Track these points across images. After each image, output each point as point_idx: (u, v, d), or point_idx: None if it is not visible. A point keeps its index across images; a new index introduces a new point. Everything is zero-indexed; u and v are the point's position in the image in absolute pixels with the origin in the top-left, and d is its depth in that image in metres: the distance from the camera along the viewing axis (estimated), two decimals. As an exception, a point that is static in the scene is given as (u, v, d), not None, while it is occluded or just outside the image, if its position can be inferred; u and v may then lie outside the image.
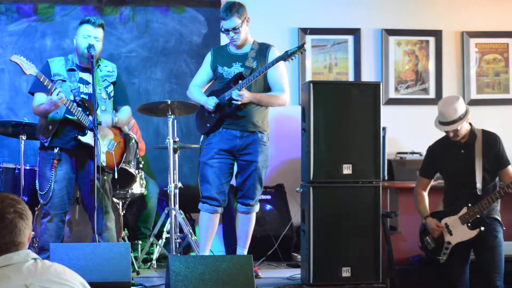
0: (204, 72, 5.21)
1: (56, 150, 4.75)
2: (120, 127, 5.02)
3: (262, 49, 5.10)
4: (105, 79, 4.91)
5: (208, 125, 5.08)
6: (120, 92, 5.00)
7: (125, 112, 5.01)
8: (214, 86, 5.19)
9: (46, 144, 4.78)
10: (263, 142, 5.06)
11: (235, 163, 5.09)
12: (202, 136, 5.29)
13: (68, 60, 4.87)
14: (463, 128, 4.88)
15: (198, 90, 5.18)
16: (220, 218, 5.93)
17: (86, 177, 4.76)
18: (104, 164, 4.83)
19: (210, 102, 5.00)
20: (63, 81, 4.79)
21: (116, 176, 4.91)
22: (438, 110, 4.96)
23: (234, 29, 4.99)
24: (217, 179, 5.00)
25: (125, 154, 5.08)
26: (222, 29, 5.06)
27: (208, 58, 5.20)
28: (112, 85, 4.94)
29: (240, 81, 4.95)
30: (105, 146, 4.87)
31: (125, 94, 5.08)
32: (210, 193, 5.01)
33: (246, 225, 5.12)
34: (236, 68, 5.05)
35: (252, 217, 5.14)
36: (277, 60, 4.91)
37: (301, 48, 4.88)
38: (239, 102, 4.90)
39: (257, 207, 5.15)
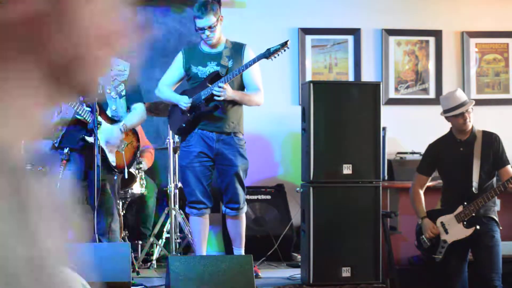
0: (176, 71, 5.11)
1: (65, 150, 4.75)
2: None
3: (237, 47, 5.02)
4: (115, 78, 4.88)
5: (184, 125, 4.99)
6: (132, 90, 4.95)
7: (137, 110, 4.95)
8: (186, 86, 5.11)
9: (56, 144, 4.78)
10: (240, 146, 4.99)
11: (214, 164, 5.02)
12: (178, 137, 5.24)
13: None
14: (471, 114, 4.90)
15: (169, 89, 5.09)
16: (220, 218, 5.94)
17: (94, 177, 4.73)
18: (114, 164, 4.82)
19: (185, 101, 4.92)
20: None
21: (126, 176, 4.91)
22: (443, 99, 5.02)
23: (209, 27, 4.89)
24: (199, 182, 4.96)
25: (137, 153, 5.06)
26: (196, 28, 4.96)
27: (180, 57, 5.09)
28: (123, 84, 4.91)
29: (217, 80, 4.86)
30: (115, 146, 4.85)
31: (138, 92, 5.01)
32: (196, 197, 4.97)
33: (238, 227, 5.09)
34: (212, 67, 4.96)
35: (242, 218, 5.10)
36: (259, 58, 4.81)
37: (284, 45, 4.78)
38: (222, 98, 4.82)
39: (245, 208, 5.11)
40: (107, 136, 4.75)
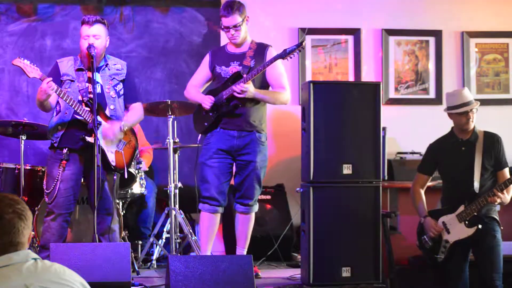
0: (202, 72, 5.22)
1: (65, 151, 4.75)
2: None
3: (260, 48, 5.10)
4: (114, 78, 4.89)
5: (206, 124, 5.08)
6: (130, 89, 4.97)
7: (135, 110, 4.98)
8: (212, 86, 5.20)
9: (56, 145, 4.78)
10: (261, 142, 5.05)
11: (234, 163, 5.09)
12: (200, 135, 5.29)
13: (77, 60, 4.87)
14: (475, 115, 4.90)
15: (195, 89, 5.18)
16: (220, 218, 5.94)
17: (94, 177, 4.72)
18: (114, 164, 4.82)
19: (207, 100, 5.00)
20: (72, 81, 4.80)
21: (126, 176, 4.91)
22: (449, 96, 5.01)
23: (234, 26, 4.99)
24: (217, 179, 5.00)
25: (136, 153, 5.06)
26: (222, 27, 5.06)
27: (207, 58, 5.20)
28: (121, 83, 4.92)
29: (239, 80, 4.94)
30: (114, 146, 4.85)
31: (136, 91, 5.06)
32: (211, 193, 5.00)
33: (246, 225, 5.12)
34: (234, 67, 5.04)
35: (251, 217, 5.13)
36: (275, 58, 4.89)
37: (299, 46, 4.85)
38: (243, 95, 4.88)
39: (256, 207, 5.14)
40: (105, 131, 4.75)
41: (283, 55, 4.87)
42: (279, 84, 5.08)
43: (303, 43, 4.88)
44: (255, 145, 5.02)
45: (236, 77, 4.98)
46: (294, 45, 4.89)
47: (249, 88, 4.87)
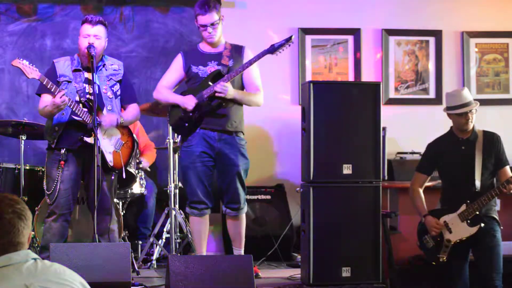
0: (175, 73, 5.10)
1: (63, 151, 4.75)
2: (127, 126, 5.01)
3: (236, 48, 5.06)
4: (111, 78, 4.89)
5: (187, 124, 4.99)
6: (127, 90, 4.97)
7: (131, 109, 4.99)
8: (185, 87, 5.12)
9: (53, 146, 4.78)
10: (241, 145, 5.00)
11: (216, 166, 5.03)
12: (179, 136, 5.26)
13: (74, 60, 4.86)
14: (474, 115, 4.90)
15: (168, 90, 5.09)
16: (220, 218, 5.94)
17: (93, 178, 4.73)
18: (111, 164, 4.82)
19: (190, 101, 4.92)
20: (69, 82, 4.80)
21: (124, 176, 4.91)
22: (448, 96, 5.01)
23: (212, 24, 4.93)
24: (201, 182, 4.96)
25: (133, 154, 5.07)
26: (198, 26, 4.99)
27: (179, 60, 5.09)
28: (118, 84, 4.92)
29: (219, 79, 4.88)
30: (112, 146, 4.86)
31: (132, 91, 5.05)
32: (198, 197, 4.97)
33: (238, 227, 5.09)
34: (212, 67, 4.98)
35: (242, 219, 5.10)
36: (264, 53, 4.85)
37: (288, 41, 4.83)
38: (223, 95, 4.81)
39: (245, 208, 5.11)
40: (102, 118, 4.74)
41: (271, 50, 4.83)
42: (255, 85, 5.04)
43: (292, 38, 4.85)
44: (236, 149, 4.97)
45: (216, 76, 4.92)
46: (283, 39, 4.85)
47: (229, 88, 4.83)
